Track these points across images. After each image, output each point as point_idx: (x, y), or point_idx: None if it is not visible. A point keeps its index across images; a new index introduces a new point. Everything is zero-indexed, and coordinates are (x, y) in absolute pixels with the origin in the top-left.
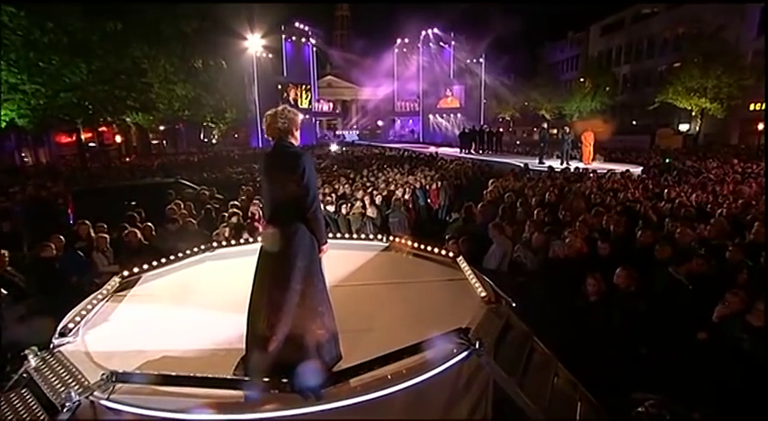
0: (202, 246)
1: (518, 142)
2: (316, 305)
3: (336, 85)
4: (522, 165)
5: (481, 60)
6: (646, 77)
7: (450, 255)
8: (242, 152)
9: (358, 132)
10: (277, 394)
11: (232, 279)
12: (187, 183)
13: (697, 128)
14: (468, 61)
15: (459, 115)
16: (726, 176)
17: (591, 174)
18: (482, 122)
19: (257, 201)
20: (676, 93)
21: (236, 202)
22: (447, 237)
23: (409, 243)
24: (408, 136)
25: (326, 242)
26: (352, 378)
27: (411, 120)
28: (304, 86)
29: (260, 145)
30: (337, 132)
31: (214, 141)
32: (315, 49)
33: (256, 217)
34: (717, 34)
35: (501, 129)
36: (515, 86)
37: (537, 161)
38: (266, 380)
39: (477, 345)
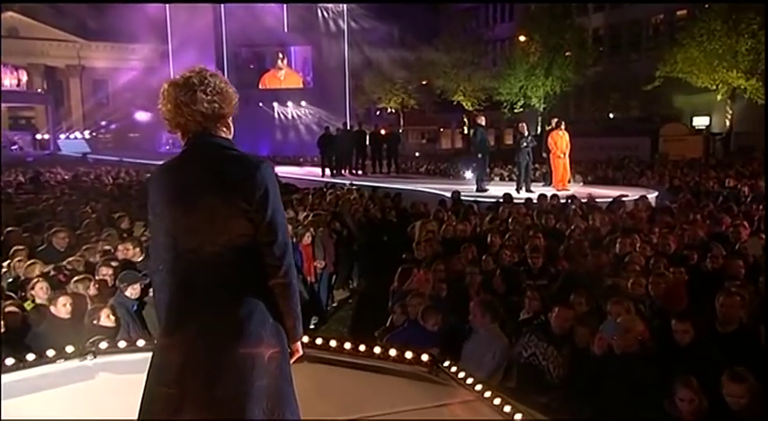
0: None
1: (417, 153)
2: None
3: (30, 35)
4: (449, 194)
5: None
6: (632, 35)
7: (426, 358)
8: None
9: (89, 137)
10: None
11: None
12: None
13: (726, 122)
14: (320, 4)
15: (304, 103)
16: None
17: (580, 207)
18: (347, 117)
19: None
20: (689, 61)
21: None
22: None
23: (334, 344)
24: None
25: (302, 336)
26: None
27: None
28: None
29: None
30: (40, 136)
31: None
32: None
33: None
34: None
35: (395, 131)
36: (407, 52)
37: (475, 187)
38: None
39: None
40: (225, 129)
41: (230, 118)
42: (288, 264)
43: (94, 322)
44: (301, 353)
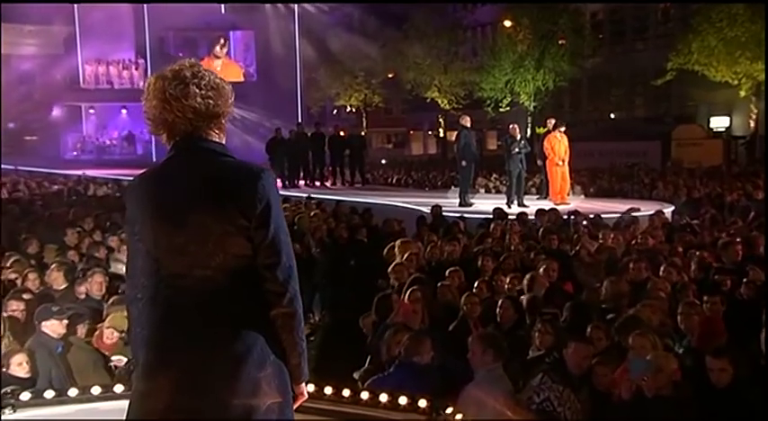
0: None
1: (383, 160)
2: None
3: None
4: (428, 210)
5: None
6: (637, 21)
7: (424, 404)
8: None
9: None
10: None
11: None
12: None
13: (751, 123)
14: None
15: (246, 100)
16: None
17: (586, 223)
18: (299, 116)
19: None
20: (706, 51)
21: None
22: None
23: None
24: (122, 149)
25: (307, 376)
26: None
27: (125, 111)
28: None
29: None
30: None
31: None
32: None
33: None
34: None
35: (358, 133)
36: (370, 39)
37: (458, 201)
38: None
39: None
40: (218, 131)
41: (225, 119)
42: (293, 291)
43: (4, 370)
44: (306, 396)
